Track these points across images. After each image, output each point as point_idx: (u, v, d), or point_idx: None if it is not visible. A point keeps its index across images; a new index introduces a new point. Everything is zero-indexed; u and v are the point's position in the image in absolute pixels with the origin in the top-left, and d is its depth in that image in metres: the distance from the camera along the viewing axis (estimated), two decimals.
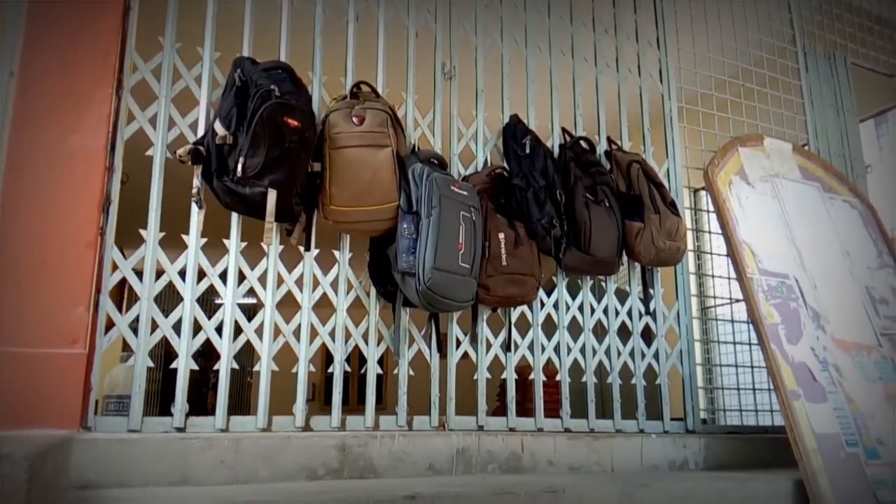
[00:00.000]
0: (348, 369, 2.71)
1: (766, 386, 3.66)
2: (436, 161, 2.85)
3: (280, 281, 2.67)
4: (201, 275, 2.55)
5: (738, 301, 3.68)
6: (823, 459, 2.77)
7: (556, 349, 3.12)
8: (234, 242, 2.62)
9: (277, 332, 2.63)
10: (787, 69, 4.28)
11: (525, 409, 3.09)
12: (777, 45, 4.28)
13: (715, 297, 4.26)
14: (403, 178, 2.67)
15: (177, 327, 2.48)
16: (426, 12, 3.22)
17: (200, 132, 2.61)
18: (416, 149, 2.97)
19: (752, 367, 3.92)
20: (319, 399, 4.28)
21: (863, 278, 3.56)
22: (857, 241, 3.67)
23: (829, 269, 3.44)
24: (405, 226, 2.60)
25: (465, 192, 2.71)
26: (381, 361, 2.79)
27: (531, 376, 3.07)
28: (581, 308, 3.22)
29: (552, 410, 3.06)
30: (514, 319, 3.05)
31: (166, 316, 2.48)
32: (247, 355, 2.68)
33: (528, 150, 3.09)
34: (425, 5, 3.21)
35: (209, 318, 2.53)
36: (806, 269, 3.35)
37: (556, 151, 3.28)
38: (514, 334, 3.04)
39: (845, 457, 2.85)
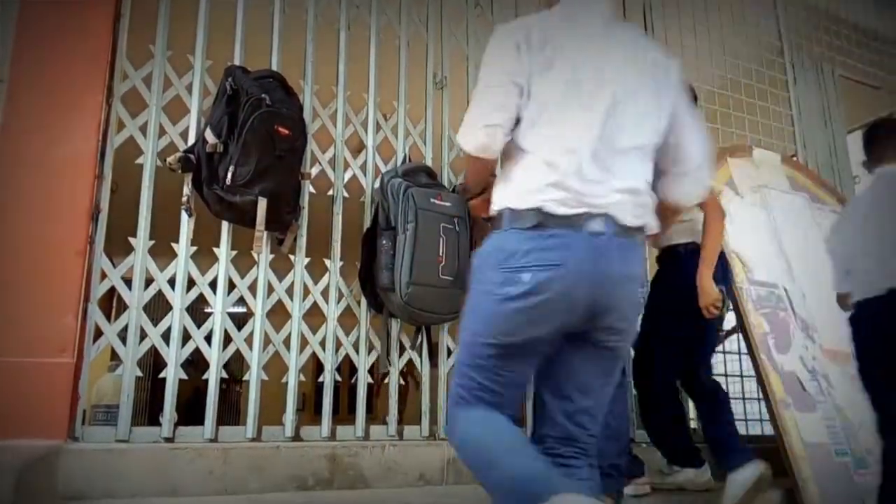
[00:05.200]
0: (339, 379, 2.70)
1: (755, 395, 3.66)
2: (423, 172, 2.85)
3: (270, 290, 2.66)
4: (191, 283, 2.54)
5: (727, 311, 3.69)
6: (813, 468, 2.77)
7: None
8: (224, 251, 2.61)
9: (267, 341, 2.61)
10: (776, 80, 4.31)
11: (517, 418, 3.08)
12: (766, 56, 4.32)
13: None
14: (382, 194, 2.69)
15: (166, 336, 2.47)
16: (417, 21, 3.23)
17: (191, 140, 2.60)
18: (406, 159, 2.98)
19: (741, 376, 3.92)
20: (309, 409, 4.25)
21: None
22: None
23: (817, 278, 3.45)
24: (384, 242, 2.61)
25: (447, 204, 2.70)
26: (371, 371, 2.78)
27: None
28: None
29: None
30: None
31: (155, 325, 2.47)
32: (236, 364, 2.67)
33: None
34: (417, 15, 3.23)
35: (199, 327, 2.52)
36: (795, 278, 3.37)
37: None
38: None
39: (835, 466, 2.86)
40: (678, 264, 2.73)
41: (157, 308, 2.51)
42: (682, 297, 2.63)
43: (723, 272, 2.74)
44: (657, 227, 1.57)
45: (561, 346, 1.51)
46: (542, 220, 1.43)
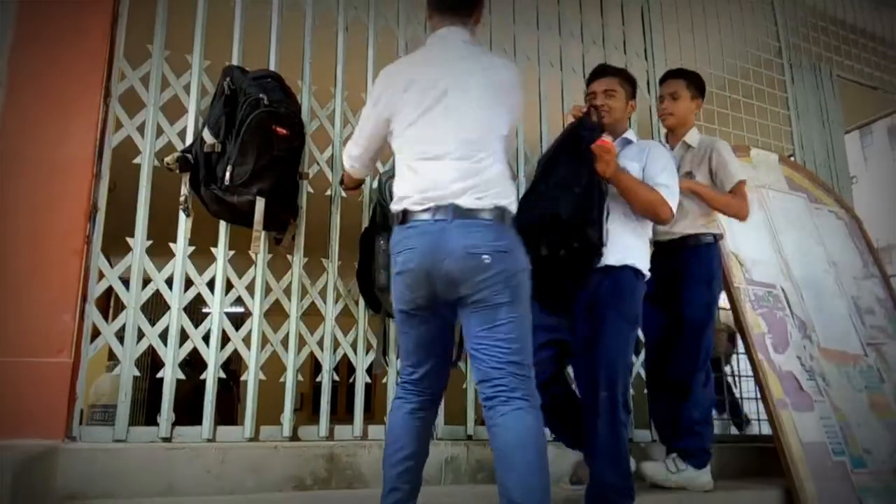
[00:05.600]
0: (336, 378, 2.70)
1: (753, 395, 3.67)
2: None
3: (268, 289, 2.66)
4: (189, 283, 2.54)
5: (725, 310, 3.69)
6: (811, 468, 2.78)
7: None
8: (221, 251, 2.61)
9: (265, 341, 2.61)
10: (773, 81, 4.31)
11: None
12: (763, 57, 4.32)
13: None
14: (379, 194, 2.68)
15: (163, 336, 2.47)
16: (416, 23, 3.23)
17: (189, 140, 2.60)
18: None
19: (738, 375, 3.93)
20: (307, 408, 4.26)
21: (849, 288, 3.59)
22: (842, 251, 3.70)
23: (815, 279, 3.47)
24: (380, 242, 2.60)
25: None
26: (369, 370, 2.78)
27: None
28: None
29: None
30: None
31: (153, 325, 2.47)
32: (234, 364, 2.67)
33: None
34: (415, 16, 3.22)
35: (196, 327, 2.52)
36: (792, 279, 3.38)
37: None
38: None
39: (832, 465, 2.87)
40: (700, 257, 2.76)
41: (155, 308, 2.51)
42: (709, 288, 2.76)
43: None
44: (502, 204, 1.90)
45: (456, 316, 1.93)
46: (407, 218, 1.90)
